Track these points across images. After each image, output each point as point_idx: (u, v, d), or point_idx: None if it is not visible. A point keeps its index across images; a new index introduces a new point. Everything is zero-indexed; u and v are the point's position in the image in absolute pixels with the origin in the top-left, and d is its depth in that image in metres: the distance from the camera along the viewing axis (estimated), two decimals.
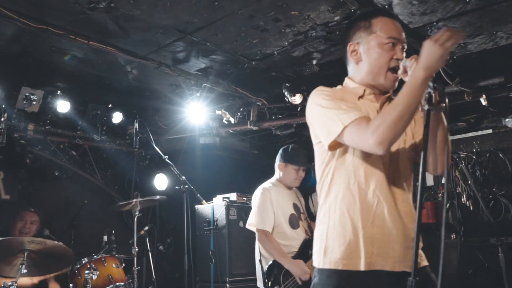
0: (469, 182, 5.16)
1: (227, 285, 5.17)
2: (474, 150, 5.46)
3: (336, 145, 1.85)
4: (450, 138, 5.65)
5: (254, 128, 5.79)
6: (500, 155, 5.34)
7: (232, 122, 5.60)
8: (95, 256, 4.22)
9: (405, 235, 1.83)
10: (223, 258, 5.29)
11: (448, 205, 5.38)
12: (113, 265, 4.25)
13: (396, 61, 1.89)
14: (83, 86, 5.26)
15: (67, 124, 5.66)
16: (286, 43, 4.25)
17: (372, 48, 1.93)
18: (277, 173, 4.07)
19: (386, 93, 2.01)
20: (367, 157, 1.86)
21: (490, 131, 5.47)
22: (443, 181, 5.50)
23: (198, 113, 5.58)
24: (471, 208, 5.36)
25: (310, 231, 3.93)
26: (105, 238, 4.50)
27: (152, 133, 6.13)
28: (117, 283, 4.11)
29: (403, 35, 1.96)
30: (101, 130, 5.77)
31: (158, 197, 4.89)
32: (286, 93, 5.11)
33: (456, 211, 5.36)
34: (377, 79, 1.94)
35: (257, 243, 3.87)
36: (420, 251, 1.90)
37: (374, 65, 1.93)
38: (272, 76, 5.06)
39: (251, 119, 5.70)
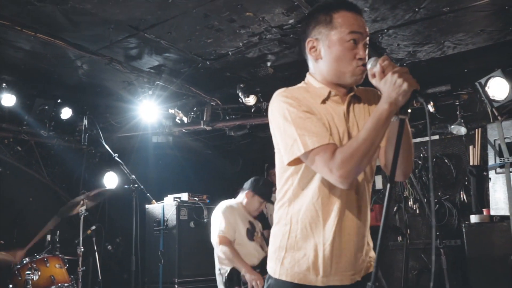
0: (416, 186, 5.30)
1: (176, 286, 5.11)
2: (421, 155, 5.61)
3: (296, 163, 1.78)
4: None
5: (208, 128, 5.76)
6: (446, 160, 5.51)
7: (185, 121, 5.55)
8: (37, 256, 4.08)
9: (360, 248, 1.86)
10: (173, 258, 5.23)
11: (395, 208, 5.52)
12: (56, 266, 4.13)
13: (358, 62, 1.78)
14: (31, 79, 5.08)
15: (12, 119, 5.45)
16: (240, 44, 4.25)
17: (333, 46, 1.80)
18: (242, 198, 4.31)
19: (351, 91, 1.90)
20: None
21: (436, 137, 5.65)
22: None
23: (150, 112, 5.49)
24: (417, 211, 5.52)
25: (265, 248, 4.21)
26: (49, 237, 4.37)
27: (103, 130, 6.00)
28: (60, 284, 3.99)
29: (367, 29, 1.83)
30: (49, 125, 5.59)
31: (104, 188, 4.76)
32: (240, 94, 5.11)
33: (403, 214, 5.50)
34: (341, 78, 1.83)
35: (215, 254, 4.07)
36: (372, 254, 1.93)
37: (335, 65, 1.81)
38: (226, 77, 5.04)
39: (204, 119, 5.66)
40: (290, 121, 1.74)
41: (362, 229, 1.86)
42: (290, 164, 1.77)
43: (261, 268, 3.92)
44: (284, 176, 1.88)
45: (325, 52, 1.83)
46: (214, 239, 4.03)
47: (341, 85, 1.87)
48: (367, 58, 1.79)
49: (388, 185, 1.58)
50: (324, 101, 1.84)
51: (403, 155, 1.69)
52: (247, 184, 4.31)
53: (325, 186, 1.78)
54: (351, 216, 1.82)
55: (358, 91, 1.92)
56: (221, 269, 4.02)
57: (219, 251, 3.97)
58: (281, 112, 1.77)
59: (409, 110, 1.63)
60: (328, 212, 1.79)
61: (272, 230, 1.94)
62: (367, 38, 1.83)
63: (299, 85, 1.94)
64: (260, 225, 4.39)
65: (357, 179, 1.80)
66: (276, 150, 1.90)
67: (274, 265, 1.87)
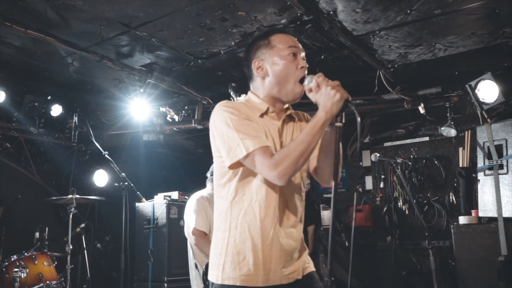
0: (405, 187, 5.33)
1: (165, 285, 5.10)
2: (411, 156, 5.64)
3: (237, 166, 1.90)
4: (390, 144, 5.83)
5: (199, 127, 5.75)
6: (436, 162, 5.54)
7: (177, 120, 5.53)
8: (25, 254, 4.05)
9: (297, 248, 1.98)
10: (162, 257, 5.22)
11: (385, 208, 5.55)
12: (44, 263, 4.11)
13: (301, 70, 1.99)
14: (21, 76, 5.04)
15: (1, 115, 5.41)
16: (232, 43, 4.24)
17: (276, 61, 2.01)
18: (210, 187, 4.22)
19: (286, 109, 2.09)
20: None
21: (427, 138, 5.68)
22: (382, 185, 5.68)
23: (141, 110, 5.47)
24: (407, 212, 5.55)
25: None
26: (37, 235, 4.34)
27: (94, 128, 5.97)
28: (48, 282, 3.97)
29: (300, 45, 2.07)
30: (39, 122, 5.55)
31: (94, 197, 4.74)
32: (231, 93, 5.10)
33: (392, 214, 5.53)
34: (283, 90, 2.01)
35: (190, 249, 4.01)
36: (308, 257, 2.08)
37: (281, 77, 2.00)
38: (218, 75, 5.03)
39: (195, 118, 5.64)
40: (232, 127, 1.89)
41: (298, 230, 2.00)
42: (232, 167, 1.91)
43: None
44: (221, 182, 1.99)
45: (270, 69, 2.03)
46: (188, 233, 3.97)
47: (281, 101, 2.06)
48: (307, 69, 2.01)
49: (332, 189, 1.81)
50: (262, 115, 2.02)
51: (332, 160, 1.90)
52: (211, 171, 4.18)
53: (263, 189, 1.92)
54: (288, 217, 1.96)
55: (293, 112, 2.12)
56: (197, 264, 3.96)
57: (194, 245, 3.93)
58: (223, 120, 1.92)
59: (343, 121, 1.84)
60: (266, 214, 1.91)
61: (214, 235, 2.02)
62: (303, 53, 2.06)
63: (239, 100, 2.15)
64: None
65: (293, 183, 1.98)
66: (214, 158, 2.02)
67: (216, 271, 1.94)
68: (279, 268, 1.91)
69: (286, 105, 2.10)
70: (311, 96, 1.89)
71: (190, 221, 3.98)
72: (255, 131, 1.88)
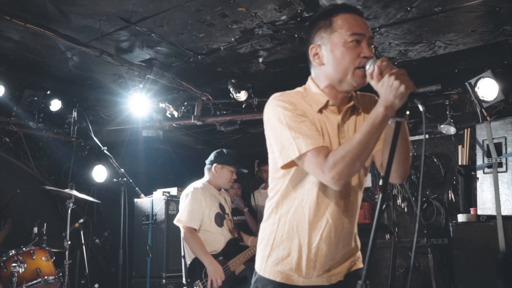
0: (404, 185, 5.33)
1: (163, 281, 5.11)
2: (410, 154, 5.64)
3: (289, 165, 1.80)
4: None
5: (198, 123, 5.74)
6: (435, 159, 5.54)
7: (176, 116, 5.52)
8: (23, 248, 4.05)
9: (346, 252, 1.90)
10: (161, 253, 5.23)
11: (384, 206, 5.54)
12: (43, 258, 4.10)
13: (363, 59, 1.73)
14: (20, 70, 5.03)
15: (0, 110, 5.39)
16: (232, 39, 4.23)
17: (335, 49, 1.77)
18: (208, 175, 4.18)
19: (350, 99, 1.90)
20: None
21: (426, 136, 5.68)
22: (381, 182, 5.67)
23: (141, 105, 5.45)
24: (406, 210, 5.55)
25: (234, 231, 4.13)
26: (35, 229, 4.34)
27: (94, 123, 5.97)
28: (46, 277, 3.97)
29: (369, 29, 1.81)
30: (38, 117, 5.53)
31: (91, 199, 4.75)
32: (231, 89, 5.10)
33: (391, 212, 5.53)
34: (343, 80, 1.79)
35: (182, 239, 3.97)
36: (358, 254, 1.98)
37: (339, 67, 1.77)
38: (217, 72, 5.02)
39: (195, 114, 5.63)
40: (285, 124, 1.75)
41: (349, 234, 1.89)
42: (284, 167, 1.80)
43: (225, 253, 3.89)
44: (276, 176, 1.91)
45: (328, 56, 1.80)
46: (179, 220, 3.90)
47: (341, 91, 1.85)
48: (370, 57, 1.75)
49: (380, 195, 1.58)
50: (320, 110, 1.84)
51: (400, 158, 1.70)
52: (210, 159, 4.17)
53: (315, 190, 1.81)
54: (340, 221, 1.83)
55: (356, 99, 1.91)
56: (186, 257, 3.92)
57: (182, 238, 3.90)
58: (276, 115, 1.78)
59: (408, 113, 1.61)
60: (316, 215, 1.82)
61: (262, 225, 1.98)
62: (372, 39, 1.80)
63: (297, 89, 1.93)
64: (229, 205, 4.25)
65: (349, 183, 1.81)
66: (269, 151, 1.91)
67: (260, 262, 1.93)
68: (321, 271, 1.86)
69: (350, 94, 1.88)
70: (373, 84, 1.65)
71: (181, 214, 3.91)
72: (310, 130, 1.73)
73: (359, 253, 1.98)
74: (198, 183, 4.11)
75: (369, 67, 1.67)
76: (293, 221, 1.84)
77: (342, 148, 1.67)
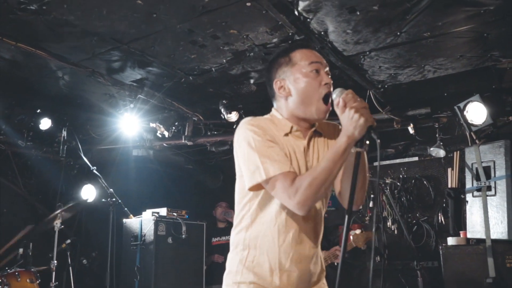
0: (394, 207, 5.34)
1: None
2: (401, 176, 5.67)
3: (257, 188, 1.86)
4: (377, 164, 5.86)
5: (189, 143, 5.73)
6: (425, 182, 5.57)
7: (167, 136, 5.51)
8: (8, 270, 3.97)
9: (314, 273, 1.96)
10: (149, 274, 5.15)
11: (374, 228, 5.54)
12: (28, 280, 4.03)
13: (325, 87, 1.90)
14: (10, 88, 4.99)
15: None
16: (224, 60, 4.25)
17: (298, 80, 1.92)
18: None
19: (313, 126, 2.00)
20: None
21: (416, 158, 5.71)
22: (371, 204, 5.67)
23: (131, 125, 5.44)
24: (396, 232, 5.55)
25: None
26: (21, 250, 4.26)
27: (84, 142, 5.93)
28: None
29: (324, 60, 1.98)
30: (27, 136, 5.49)
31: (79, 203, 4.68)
32: (222, 110, 5.10)
33: (381, 234, 5.53)
34: (308, 109, 1.92)
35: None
36: (324, 280, 2.04)
37: (304, 95, 1.91)
38: (209, 92, 5.03)
39: (186, 134, 5.63)
40: (254, 148, 1.82)
41: (317, 256, 1.96)
42: (252, 189, 1.86)
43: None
44: (242, 201, 1.95)
45: (293, 88, 1.94)
46: None
47: (305, 120, 1.97)
48: (332, 85, 1.93)
49: (346, 217, 1.68)
50: (286, 134, 1.94)
51: (357, 185, 1.79)
52: None
53: (283, 213, 1.86)
54: (307, 243, 1.91)
55: (320, 126, 2.02)
56: None
57: None
58: (247, 139, 1.85)
59: (367, 142, 1.73)
60: (285, 239, 1.86)
61: (229, 256, 1.99)
62: (327, 68, 1.96)
63: (265, 116, 2.03)
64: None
65: (314, 207, 1.91)
66: (237, 176, 1.97)
67: None
68: None
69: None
70: (338, 114, 1.79)
71: None
72: (278, 155, 1.81)
73: (324, 279, 2.04)
74: None
75: (335, 98, 1.81)
76: (263, 245, 1.87)
77: (307, 174, 1.76)
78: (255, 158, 1.81)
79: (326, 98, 1.90)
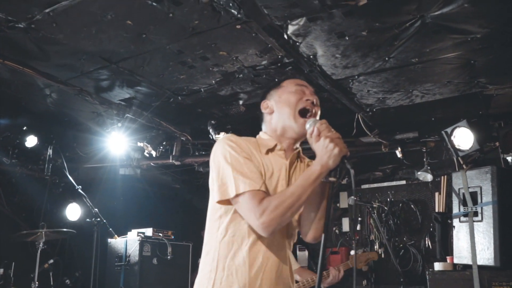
0: (381, 231, 5.32)
1: None
2: (388, 199, 5.67)
3: (225, 203, 1.85)
4: (368, 186, 5.86)
5: (177, 163, 5.69)
6: (412, 206, 5.58)
7: (154, 155, 5.47)
8: None
9: None
10: None
11: (361, 251, 5.51)
12: None
13: (306, 102, 1.96)
14: None
15: None
16: (213, 81, 4.25)
17: (283, 94, 2.02)
18: None
19: (296, 149, 2.03)
20: None
21: (403, 182, 5.73)
22: (358, 228, 5.66)
23: (119, 144, 5.39)
24: (383, 255, 5.52)
25: None
26: (1, 271, 4.17)
27: (71, 160, 5.86)
28: None
29: (310, 86, 2.07)
30: (12, 153, 5.41)
31: (65, 229, 4.61)
32: (211, 130, 5.09)
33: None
34: (287, 120, 1.96)
35: None
36: None
37: (285, 106, 1.97)
38: (197, 112, 5.02)
39: (174, 154, 5.59)
40: (229, 163, 1.83)
41: (288, 276, 1.92)
42: (220, 202, 1.84)
43: None
44: (213, 218, 1.91)
45: (276, 104, 2.03)
46: None
47: (287, 138, 2.00)
48: (319, 107, 1.99)
49: (322, 238, 1.72)
50: (267, 152, 1.96)
51: (318, 215, 1.85)
52: None
53: (253, 235, 1.83)
54: (279, 263, 1.87)
55: (303, 155, 2.06)
56: None
57: None
58: (223, 154, 1.86)
59: (339, 177, 1.76)
60: (256, 259, 1.82)
61: (197, 279, 1.93)
62: (313, 90, 2.04)
63: (249, 137, 2.05)
64: None
65: (285, 228, 1.89)
66: (210, 190, 1.95)
67: None
68: None
69: (296, 145, 2.04)
70: (311, 143, 1.82)
71: None
72: (251, 172, 1.81)
73: None
74: None
75: (309, 127, 1.84)
76: (232, 266, 1.81)
77: (276, 197, 1.76)
78: (229, 172, 1.81)
79: (304, 112, 1.95)
